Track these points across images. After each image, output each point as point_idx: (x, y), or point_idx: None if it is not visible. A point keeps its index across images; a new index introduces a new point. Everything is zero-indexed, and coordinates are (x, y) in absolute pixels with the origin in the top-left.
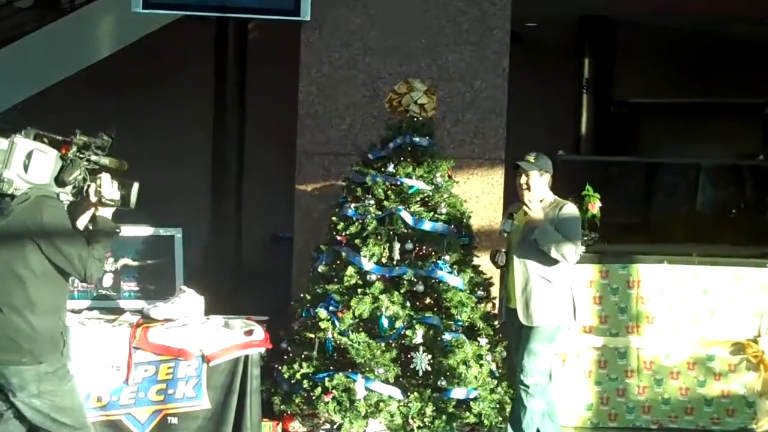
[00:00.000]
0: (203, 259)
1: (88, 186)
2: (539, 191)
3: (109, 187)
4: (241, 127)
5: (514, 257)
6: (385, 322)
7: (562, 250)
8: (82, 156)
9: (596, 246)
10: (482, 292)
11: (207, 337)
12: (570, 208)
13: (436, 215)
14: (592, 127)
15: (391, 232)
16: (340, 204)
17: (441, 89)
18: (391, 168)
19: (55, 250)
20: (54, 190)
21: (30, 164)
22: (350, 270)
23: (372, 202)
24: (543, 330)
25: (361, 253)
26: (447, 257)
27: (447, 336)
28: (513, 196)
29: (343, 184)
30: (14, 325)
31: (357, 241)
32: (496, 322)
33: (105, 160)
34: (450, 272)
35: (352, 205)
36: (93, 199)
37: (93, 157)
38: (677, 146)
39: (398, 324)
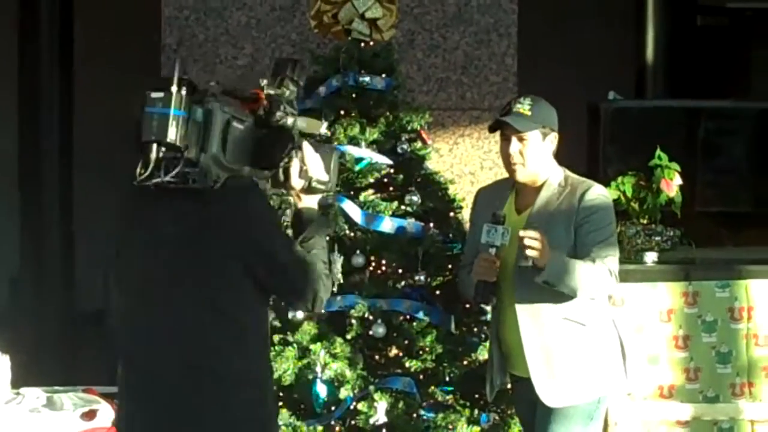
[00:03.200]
0: (11, 295)
1: (289, 165)
2: (543, 165)
3: (316, 164)
4: (64, 83)
5: (515, 289)
6: (321, 391)
7: (601, 278)
8: (281, 119)
9: (676, 252)
10: (476, 339)
11: (16, 425)
12: (597, 193)
13: (403, 207)
14: (664, 52)
15: (327, 238)
16: None
17: None
18: (323, 129)
19: (274, 272)
20: (251, 175)
21: (228, 140)
22: None
23: None
24: (578, 409)
25: None
26: (423, 277)
27: (427, 413)
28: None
29: None
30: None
31: None
32: (487, 389)
33: (303, 123)
34: (429, 303)
35: None
36: (298, 183)
37: (290, 120)
38: None
39: (344, 393)
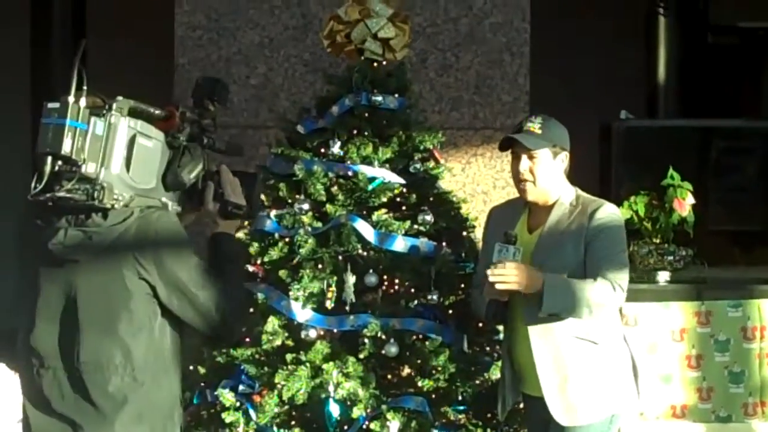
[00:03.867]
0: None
1: (204, 187)
2: (554, 184)
3: (233, 188)
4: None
5: (525, 310)
6: (334, 410)
7: (604, 294)
8: (195, 140)
9: (690, 271)
10: (489, 358)
11: None
12: (607, 212)
13: (415, 226)
14: (676, 71)
15: (341, 257)
16: None
17: (418, 13)
18: (336, 149)
19: (183, 299)
20: (160, 197)
21: (133, 158)
22: (272, 322)
23: (306, 206)
24: (590, 428)
25: (290, 293)
26: (435, 296)
27: None
28: None
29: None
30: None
31: (282, 273)
32: (499, 409)
33: (221, 144)
34: (441, 322)
35: (273, 213)
36: (212, 208)
37: (205, 140)
38: None
39: (357, 412)
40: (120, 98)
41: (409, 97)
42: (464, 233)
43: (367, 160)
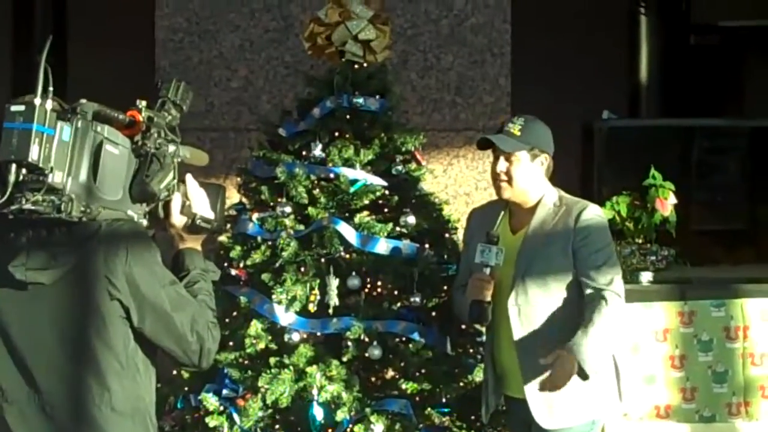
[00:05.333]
0: None
1: (169, 199)
2: (533, 186)
3: (201, 200)
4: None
5: (510, 309)
6: (318, 414)
7: (616, 316)
8: (161, 147)
9: (672, 271)
10: (472, 360)
11: None
12: (592, 213)
13: (398, 228)
14: (658, 70)
15: (323, 260)
16: (233, 215)
17: (399, 15)
18: (317, 151)
19: (157, 321)
20: (126, 209)
21: (100, 166)
22: (255, 326)
23: (288, 209)
24: (574, 431)
25: (273, 297)
26: (418, 299)
27: None
28: None
29: (238, 180)
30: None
31: (265, 276)
32: (482, 411)
33: (185, 152)
34: (424, 325)
35: (255, 216)
36: (179, 221)
37: (171, 148)
38: None
39: (341, 415)
40: (83, 101)
41: (390, 98)
42: (446, 235)
43: (348, 163)
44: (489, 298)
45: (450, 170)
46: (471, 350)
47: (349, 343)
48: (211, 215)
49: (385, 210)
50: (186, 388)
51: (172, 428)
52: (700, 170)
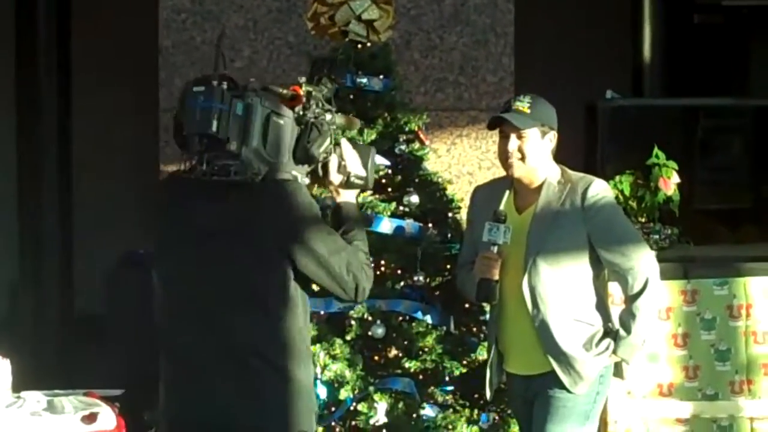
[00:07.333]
0: (8, 300)
1: (327, 161)
2: (542, 163)
3: (354, 160)
4: (62, 86)
5: (524, 290)
6: (321, 392)
7: (657, 297)
8: (319, 116)
9: (675, 249)
10: (475, 339)
11: (18, 428)
12: (598, 188)
13: (401, 208)
14: (661, 50)
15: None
16: None
17: None
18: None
19: (318, 265)
20: (291, 170)
21: (269, 135)
22: None
23: None
24: (574, 409)
25: None
26: (421, 277)
27: (428, 411)
28: None
29: None
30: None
31: None
32: (486, 389)
33: (340, 119)
34: (428, 303)
35: None
36: (336, 179)
37: (328, 117)
38: None
39: (344, 394)
40: (252, 80)
41: (393, 78)
42: (450, 214)
43: (351, 142)
44: (497, 277)
45: (453, 149)
46: (474, 329)
47: (353, 322)
48: (363, 173)
49: (389, 189)
50: None
51: None
52: (703, 149)
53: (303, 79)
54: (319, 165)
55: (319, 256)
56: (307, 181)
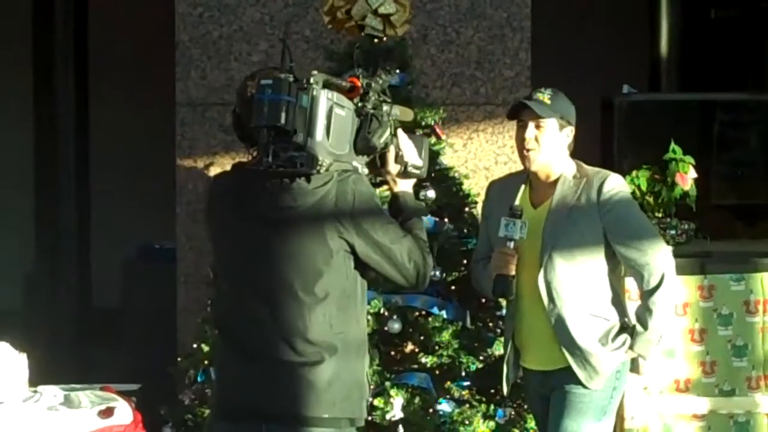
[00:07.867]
0: (25, 294)
1: (386, 151)
2: (557, 157)
3: (411, 149)
4: (79, 80)
5: (540, 285)
6: None
7: (673, 296)
8: (377, 107)
9: (692, 245)
10: (491, 334)
11: (35, 423)
12: (614, 183)
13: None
14: (678, 44)
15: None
16: None
17: None
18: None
19: (380, 253)
20: (352, 161)
21: (332, 126)
22: None
23: None
24: (591, 405)
25: None
26: (438, 273)
27: (444, 406)
28: None
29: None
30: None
31: None
32: (503, 384)
33: (396, 110)
34: (444, 298)
35: None
36: (394, 168)
37: (385, 107)
38: None
39: None
40: (315, 72)
41: (410, 73)
42: (466, 209)
43: None
44: (513, 272)
45: (470, 144)
46: (490, 324)
47: (369, 317)
48: (419, 162)
49: None
50: (206, 362)
51: (192, 401)
52: (720, 144)
53: (360, 71)
54: (377, 155)
55: (382, 245)
56: (366, 171)
